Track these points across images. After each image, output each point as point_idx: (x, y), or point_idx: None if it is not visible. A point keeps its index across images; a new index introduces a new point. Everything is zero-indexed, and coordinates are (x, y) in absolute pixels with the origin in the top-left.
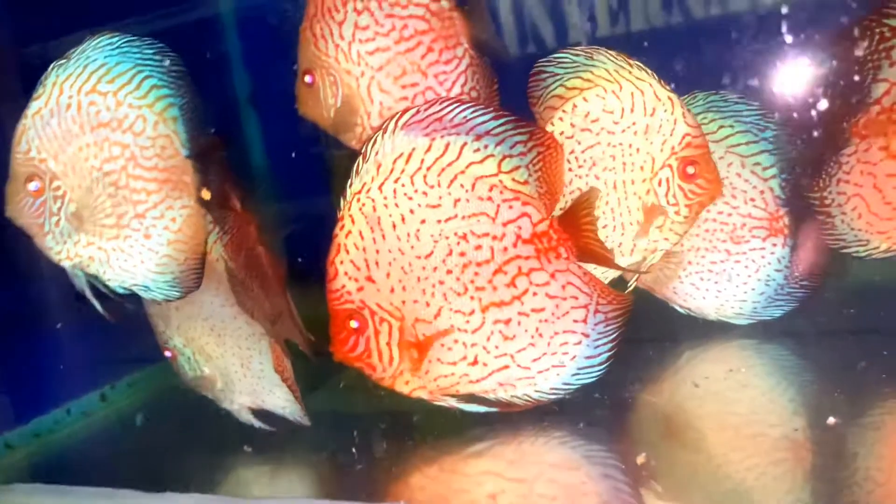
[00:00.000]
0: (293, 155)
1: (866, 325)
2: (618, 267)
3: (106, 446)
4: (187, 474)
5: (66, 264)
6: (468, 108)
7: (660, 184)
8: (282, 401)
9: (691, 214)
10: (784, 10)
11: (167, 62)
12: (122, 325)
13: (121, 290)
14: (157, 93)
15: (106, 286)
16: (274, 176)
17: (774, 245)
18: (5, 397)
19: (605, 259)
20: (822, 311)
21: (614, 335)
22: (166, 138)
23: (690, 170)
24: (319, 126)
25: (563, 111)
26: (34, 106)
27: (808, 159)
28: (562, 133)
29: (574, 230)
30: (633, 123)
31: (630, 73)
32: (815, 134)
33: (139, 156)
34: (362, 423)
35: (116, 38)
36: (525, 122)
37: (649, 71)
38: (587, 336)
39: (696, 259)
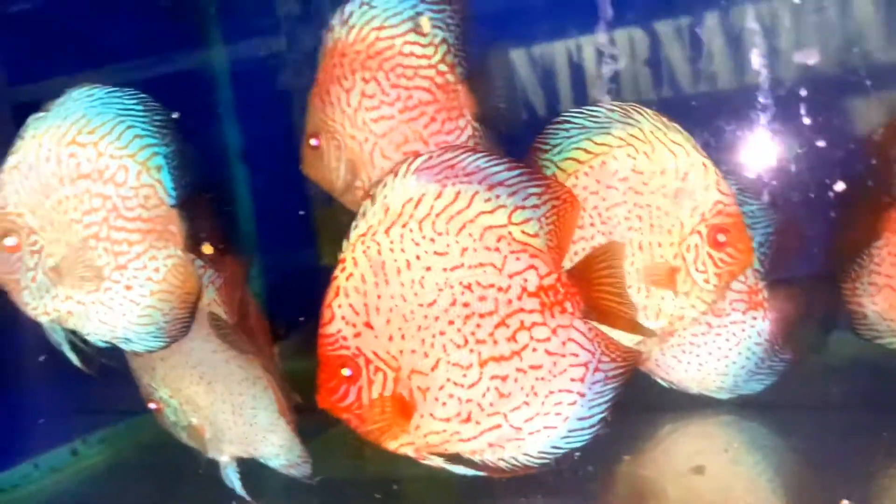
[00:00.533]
0: (282, 209)
1: (845, 399)
2: (632, 328)
3: None
4: None
5: (43, 319)
6: (482, 157)
7: (688, 249)
8: (275, 448)
9: (720, 284)
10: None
11: (151, 111)
12: (98, 377)
13: (101, 344)
14: (139, 142)
15: (84, 341)
16: (261, 229)
17: (755, 318)
18: None
19: (614, 317)
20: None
21: (610, 395)
22: (150, 188)
23: (721, 238)
24: (322, 187)
25: (591, 167)
26: (11, 160)
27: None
28: (585, 188)
29: (585, 284)
30: (663, 186)
31: (665, 134)
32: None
33: (121, 206)
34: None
35: (97, 90)
36: (541, 175)
37: (686, 134)
38: (583, 396)
39: (677, 332)
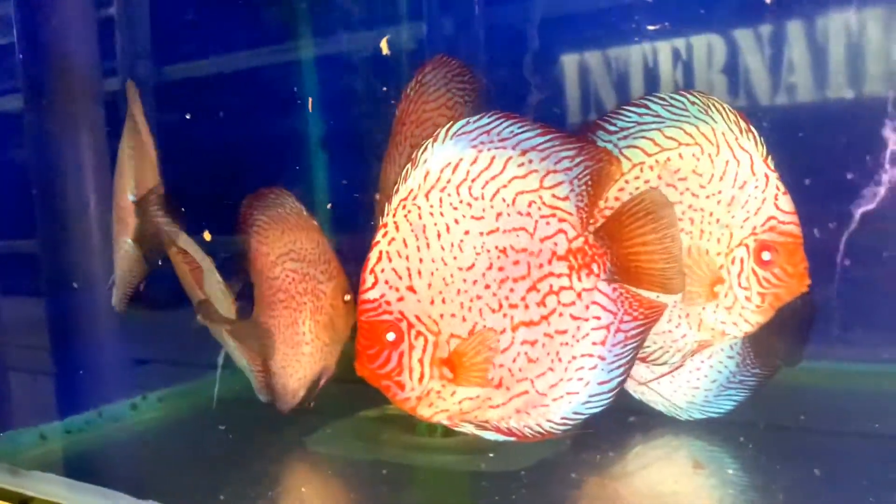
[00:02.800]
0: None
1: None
2: (661, 287)
3: (130, 452)
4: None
5: None
6: (515, 123)
7: (733, 262)
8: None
9: (764, 305)
10: None
11: None
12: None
13: None
14: None
15: None
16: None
17: None
18: (48, 392)
19: (641, 277)
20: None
21: (630, 357)
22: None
23: (766, 255)
24: None
25: (657, 161)
26: None
27: None
28: (647, 181)
29: (614, 242)
30: (719, 192)
31: (736, 139)
32: None
33: None
34: None
35: None
36: (574, 138)
37: (760, 141)
38: (603, 359)
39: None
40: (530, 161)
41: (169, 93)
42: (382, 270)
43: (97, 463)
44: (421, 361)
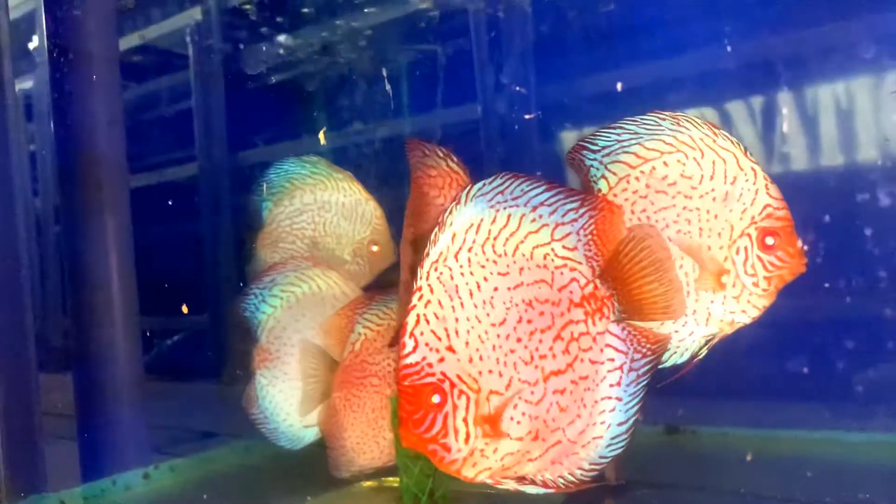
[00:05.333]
0: None
1: None
2: (664, 313)
3: None
4: None
5: None
6: (525, 181)
7: (738, 252)
8: None
9: (770, 288)
10: None
11: None
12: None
13: None
14: None
15: None
16: None
17: None
18: (72, 459)
19: (646, 310)
20: None
21: (642, 395)
22: None
23: (770, 241)
24: None
25: (642, 171)
26: None
27: None
28: (636, 192)
29: (617, 283)
30: (712, 190)
31: (714, 141)
32: None
33: None
34: None
35: None
36: (576, 191)
37: (735, 140)
38: (620, 400)
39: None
40: (541, 216)
41: None
42: (422, 333)
43: None
44: (465, 421)
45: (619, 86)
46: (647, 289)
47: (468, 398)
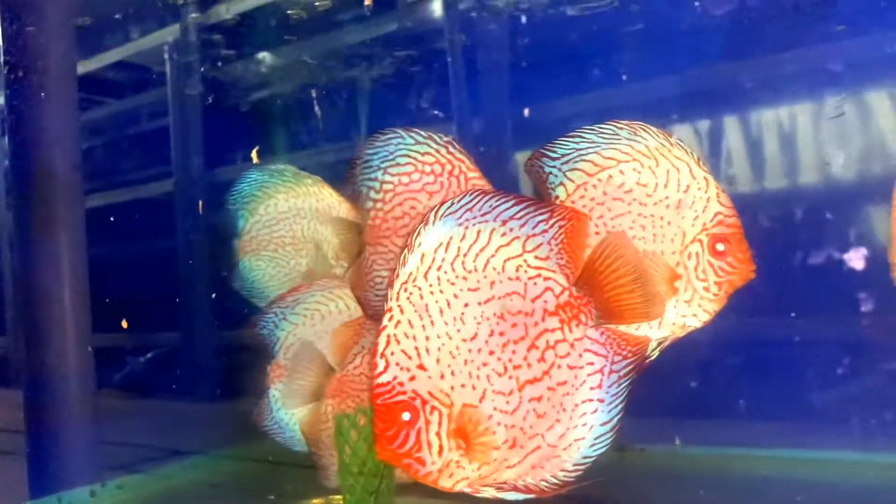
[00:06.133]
0: None
1: None
2: (644, 315)
3: None
4: None
5: None
6: (493, 197)
7: (689, 257)
8: None
9: (720, 293)
10: None
11: None
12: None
13: None
14: None
15: None
16: None
17: None
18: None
19: (625, 313)
20: None
21: (625, 394)
22: None
23: (720, 247)
24: None
25: (599, 179)
26: None
27: None
28: (593, 199)
29: (593, 289)
30: (666, 198)
31: (670, 151)
32: None
33: None
34: None
35: None
36: (545, 202)
37: (689, 150)
38: (602, 402)
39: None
40: (511, 230)
41: None
42: (392, 353)
43: None
44: (438, 435)
45: (525, 112)
46: (625, 293)
47: (440, 413)
